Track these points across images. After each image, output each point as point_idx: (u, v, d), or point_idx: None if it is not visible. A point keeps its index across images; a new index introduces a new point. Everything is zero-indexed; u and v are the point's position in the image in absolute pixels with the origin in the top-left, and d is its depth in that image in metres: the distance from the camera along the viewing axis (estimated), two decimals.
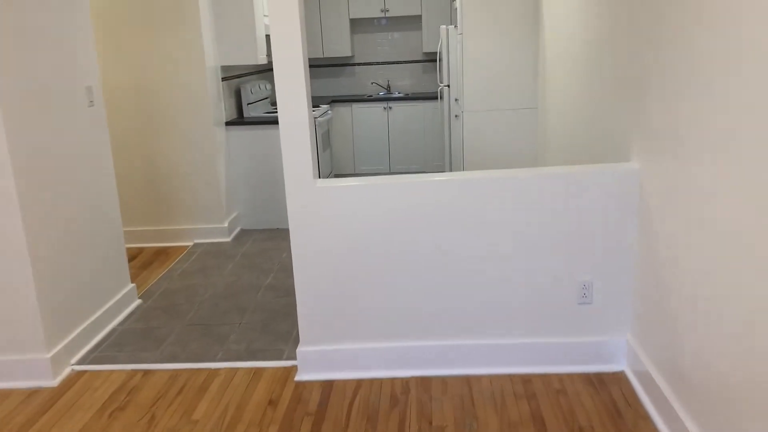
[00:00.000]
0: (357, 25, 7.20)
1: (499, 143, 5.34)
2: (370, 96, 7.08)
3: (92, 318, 3.33)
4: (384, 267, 2.72)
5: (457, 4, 5.04)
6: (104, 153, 3.54)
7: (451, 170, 5.87)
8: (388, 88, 7.33)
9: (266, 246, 4.87)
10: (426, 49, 6.98)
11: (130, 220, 5.01)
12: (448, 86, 5.66)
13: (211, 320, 3.53)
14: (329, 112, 5.98)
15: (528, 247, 2.68)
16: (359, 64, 7.34)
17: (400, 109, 6.80)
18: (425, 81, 7.33)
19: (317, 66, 7.36)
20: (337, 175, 7.00)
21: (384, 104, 6.79)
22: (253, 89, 5.51)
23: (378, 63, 7.33)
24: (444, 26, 5.57)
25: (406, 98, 6.80)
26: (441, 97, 5.80)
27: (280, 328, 3.39)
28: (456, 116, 5.68)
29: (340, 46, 6.96)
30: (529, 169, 2.66)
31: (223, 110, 5.12)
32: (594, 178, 2.60)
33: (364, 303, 2.77)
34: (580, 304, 2.74)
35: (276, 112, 5.65)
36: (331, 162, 6.50)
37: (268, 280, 4.13)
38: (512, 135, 5.31)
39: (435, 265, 2.72)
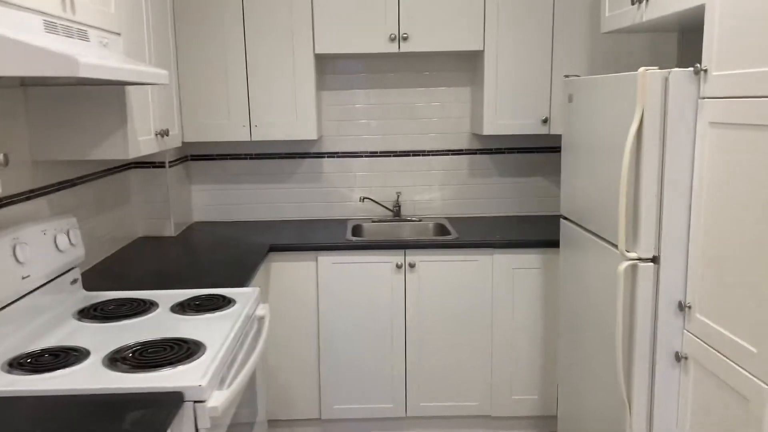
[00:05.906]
0: (328, 67, 3.21)
1: None
2: (349, 237, 3.10)
3: None
4: None
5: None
6: None
7: None
8: (398, 210, 3.29)
9: None
10: (494, 131, 3.00)
11: None
12: (655, 261, 1.73)
13: None
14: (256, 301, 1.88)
15: None
16: (330, 155, 3.31)
17: (433, 268, 2.78)
18: (503, 200, 3.35)
19: (220, 158, 3.28)
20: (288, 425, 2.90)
21: (397, 254, 2.77)
22: (31, 248, 1.39)
23: (378, 154, 3.33)
24: (661, 72, 1.69)
25: (459, 245, 2.79)
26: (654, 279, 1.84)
27: None
28: (684, 359, 1.73)
29: (290, 116, 2.94)
30: None
31: None
32: None
33: None
34: None
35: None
36: (257, 396, 2.50)
37: None
38: None
39: None
